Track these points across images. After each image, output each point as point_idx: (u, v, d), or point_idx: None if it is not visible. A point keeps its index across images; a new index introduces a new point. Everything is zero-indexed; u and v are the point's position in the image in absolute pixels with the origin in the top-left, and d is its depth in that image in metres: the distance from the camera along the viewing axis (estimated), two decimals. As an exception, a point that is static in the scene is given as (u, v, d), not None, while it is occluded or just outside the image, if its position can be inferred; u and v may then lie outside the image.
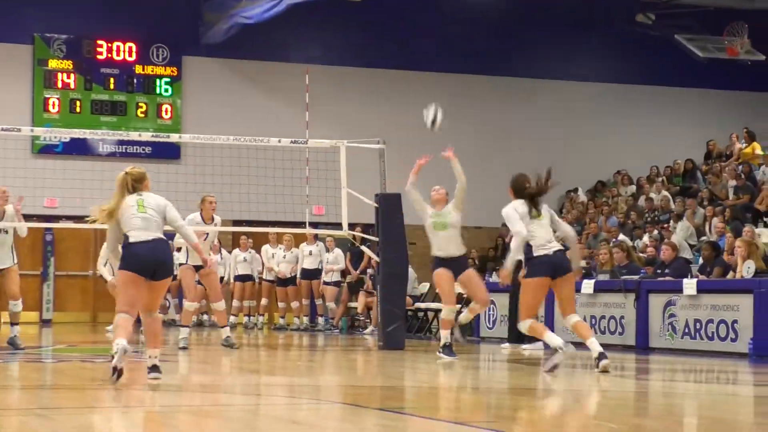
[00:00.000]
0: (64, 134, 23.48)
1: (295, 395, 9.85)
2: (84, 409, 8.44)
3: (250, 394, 9.98)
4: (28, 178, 20.95)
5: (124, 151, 25.27)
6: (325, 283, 22.22)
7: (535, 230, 11.46)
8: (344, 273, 22.51)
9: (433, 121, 14.16)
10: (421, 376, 12.00)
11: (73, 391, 9.86)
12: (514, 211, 11.55)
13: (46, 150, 24.94)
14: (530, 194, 11.63)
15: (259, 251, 23.14)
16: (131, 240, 9.83)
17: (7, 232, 14.77)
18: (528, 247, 11.46)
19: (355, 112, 26.61)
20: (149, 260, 9.79)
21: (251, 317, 23.12)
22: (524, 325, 11.55)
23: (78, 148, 24.97)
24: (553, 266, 11.41)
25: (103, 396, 9.58)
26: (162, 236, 9.95)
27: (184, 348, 14.52)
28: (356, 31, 27.05)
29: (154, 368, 9.89)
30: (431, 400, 9.62)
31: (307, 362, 13.61)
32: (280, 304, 22.90)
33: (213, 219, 15.25)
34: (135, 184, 10.16)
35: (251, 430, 7.44)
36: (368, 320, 21.30)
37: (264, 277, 23.03)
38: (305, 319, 22.77)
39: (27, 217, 16.03)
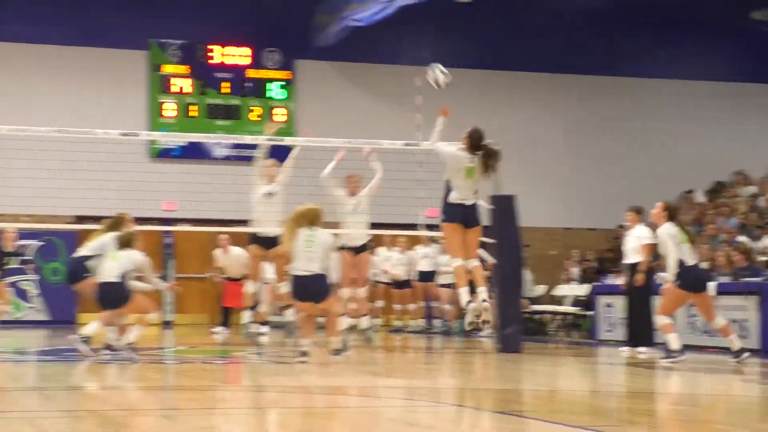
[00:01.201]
0: (180, 138, 23.84)
1: (413, 397, 9.84)
2: (206, 410, 8.53)
3: (367, 396, 10.00)
4: (146, 182, 21.29)
5: (238, 154, 25.52)
6: (441, 286, 22.18)
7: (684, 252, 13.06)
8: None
9: (438, 83, 14.22)
10: (539, 379, 11.92)
11: (195, 392, 9.98)
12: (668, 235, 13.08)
13: (163, 154, 25.31)
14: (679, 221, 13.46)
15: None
16: None
17: None
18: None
19: (466, 114, 26.44)
20: None
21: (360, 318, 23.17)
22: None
23: (194, 152, 25.30)
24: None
25: (225, 397, 9.69)
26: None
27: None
28: (466, 32, 26.98)
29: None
30: (550, 403, 9.54)
31: (423, 364, 13.61)
32: (396, 307, 22.95)
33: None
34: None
35: (366, 431, 7.45)
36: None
37: (380, 279, 23.07)
38: (421, 322, 22.76)
39: (146, 221, 16.29)
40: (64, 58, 25.09)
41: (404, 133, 21.08)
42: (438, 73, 13.99)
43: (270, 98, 26.18)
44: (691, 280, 13.14)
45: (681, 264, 13.05)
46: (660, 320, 13.41)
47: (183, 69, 25.74)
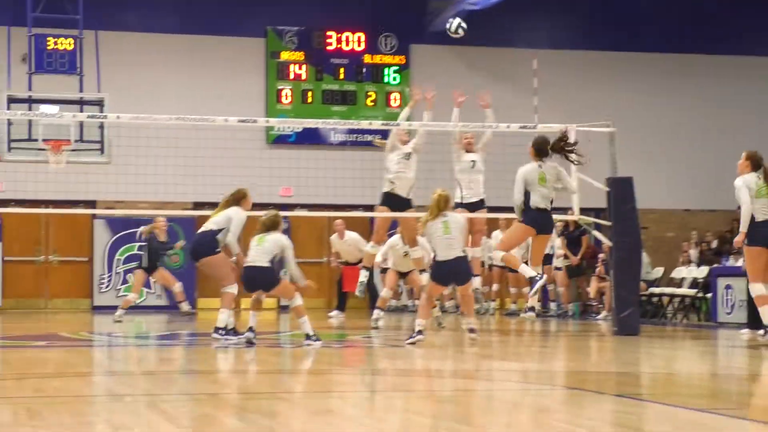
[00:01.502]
0: (297, 124, 24.04)
1: (529, 381, 9.83)
2: (324, 393, 8.63)
3: (483, 379, 10.02)
4: (264, 168, 21.54)
5: (354, 140, 25.68)
6: (556, 269, 22.06)
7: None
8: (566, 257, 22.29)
9: (455, 31, 14.44)
10: (657, 362, 11.81)
11: (313, 375, 10.09)
12: (745, 186, 12.69)
13: (280, 140, 25.56)
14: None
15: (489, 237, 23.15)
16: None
17: None
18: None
19: (583, 96, 26.34)
20: None
21: (483, 303, 23.14)
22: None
23: (310, 138, 25.51)
24: None
25: (342, 380, 9.78)
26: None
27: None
28: (582, 14, 26.74)
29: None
30: (669, 386, 9.44)
31: (539, 348, 13.56)
32: (512, 290, 22.87)
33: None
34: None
35: (486, 414, 7.47)
36: (601, 305, 21.06)
37: (495, 263, 23.00)
38: (538, 304, 22.64)
39: (263, 206, 16.43)
40: (184, 47, 25.46)
41: (521, 116, 20.95)
42: (457, 25, 14.50)
43: (386, 83, 26.26)
44: (759, 237, 12.70)
45: (752, 219, 12.65)
46: (753, 289, 12.97)
47: (299, 55, 25.95)
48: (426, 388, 9.17)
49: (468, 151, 16.63)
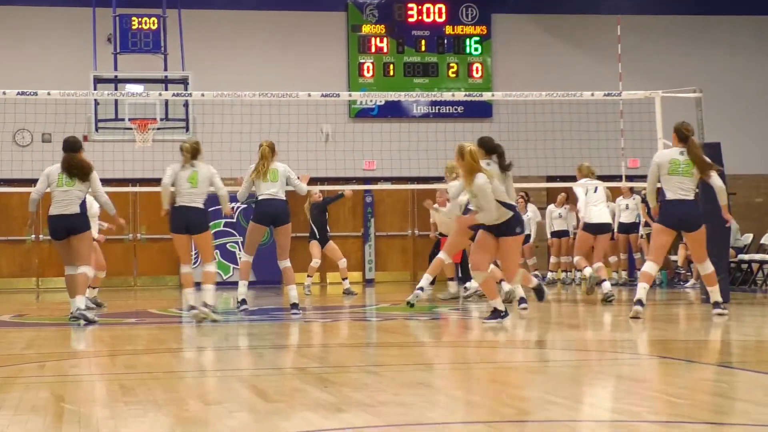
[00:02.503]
0: (379, 98, 24.05)
1: (617, 350, 9.77)
2: (412, 366, 8.65)
3: (571, 349, 9.98)
4: (347, 142, 21.62)
5: (437, 111, 25.63)
6: (642, 237, 21.86)
7: None
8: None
9: None
10: (747, 330, 11.67)
11: (400, 348, 10.12)
12: None
13: (362, 114, 25.59)
14: None
15: (574, 206, 23.01)
16: None
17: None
18: None
19: (668, 62, 26.01)
20: None
21: (568, 273, 23.04)
22: None
23: (393, 111, 25.50)
24: None
25: (429, 353, 9.80)
26: None
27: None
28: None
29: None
30: (759, 353, 9.34)
31: (627, 317, 13.45)
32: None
33: None
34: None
35: (576, 384, 7.44)
36: (689, 273, 20.84)
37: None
38: (623, 274, 22.47)
39: (347, 181, 16.54)
40: (265, 23, 25.56)
41: (605, 84, 20.76)
42: None
43: (467, 54, 26.15)
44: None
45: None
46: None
47: (381, 28, 25.93)
48: (515, 359, 9.16)
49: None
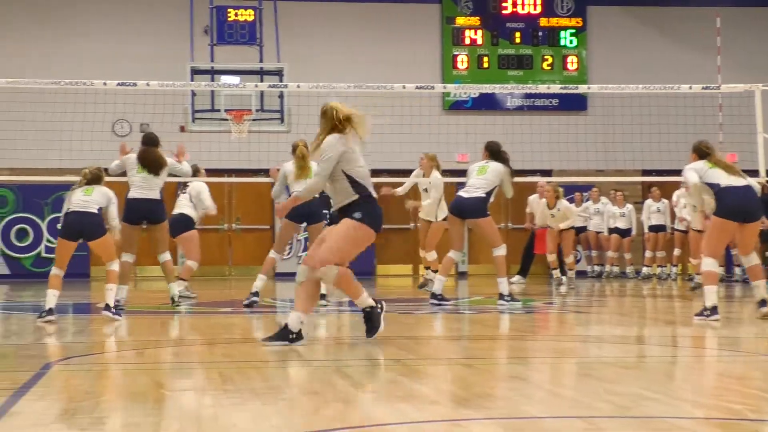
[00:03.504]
0: (474, 90, 23.99)
1: (716, 347, 9.65)
2: (506, 359, 8.63)
3: (667, 345, 9.88)
4: (441, 134, 21.58)
5: (531, 104, 25.51)
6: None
7: None
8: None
9: None
10: None
11: (493, 341, 10.10)
12: None
13: (456, 106, 25.56)
14: None
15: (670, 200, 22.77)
16: None
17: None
18: None
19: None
20: None
21: (664, 267, 22.81)
22: None
23: (486, 104, 25.43)
24: None
25: (525, 347, 9.76)
26: None
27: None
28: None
29: None
30: None
31: (725, 312, 13.26)
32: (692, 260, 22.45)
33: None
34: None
35: (673, 381, 7.37)
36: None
37: (676, 227, 22.62)
38: (721, 269, 22.18)
39: (442, 173, 16.58)
40: (360, 15, 25.62)
41: (702, 77, 20.56)
42: None
43: (562, 46, 25.97)
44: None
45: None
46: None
47: (475, 21, 25.86)
48: (609, 354, 9.09)
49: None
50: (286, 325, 9.17)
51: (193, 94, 20.48)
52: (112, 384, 7.02)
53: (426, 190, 16.87)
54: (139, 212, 13.31)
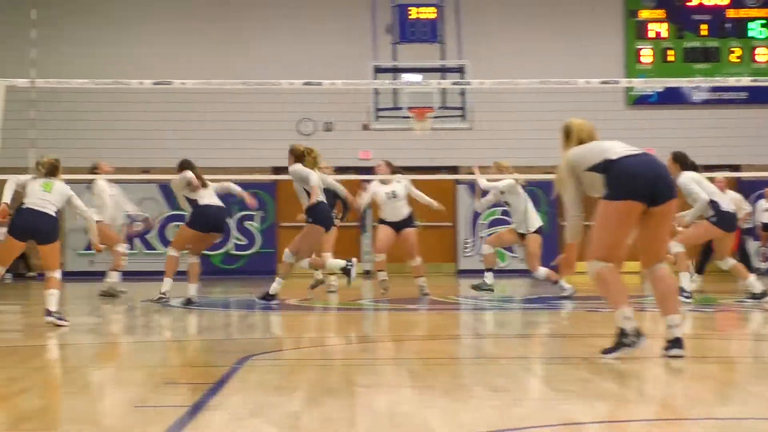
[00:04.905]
0: (659, 84, 23.60)
1: None
2: (699, 359, 8.45)
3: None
4: (624, 129, 21.25)
5: (718, 98, 24.92)
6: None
7: None
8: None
9: None
10: None
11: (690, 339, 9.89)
12: None
13: (640, 101, 25.15)
14: None
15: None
16: None
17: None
18: None
19: None
20: None
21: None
22: None
23: (671, 98, 24.95)
24: None
25: (711, 345, 9.55)
26: None
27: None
28: None
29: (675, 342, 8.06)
30: None
31: None
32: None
33: None
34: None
35: None
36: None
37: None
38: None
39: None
40: (542, 12, 25.42)
41: None
42: None
43: (751, 38, 25.30)
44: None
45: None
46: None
47: (660, 13, 25.41)
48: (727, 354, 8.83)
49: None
50: (622, 331, 7.90)
51: (376, 92, 20.66)
52: (303, 379, 7.11)
53: None
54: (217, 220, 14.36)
